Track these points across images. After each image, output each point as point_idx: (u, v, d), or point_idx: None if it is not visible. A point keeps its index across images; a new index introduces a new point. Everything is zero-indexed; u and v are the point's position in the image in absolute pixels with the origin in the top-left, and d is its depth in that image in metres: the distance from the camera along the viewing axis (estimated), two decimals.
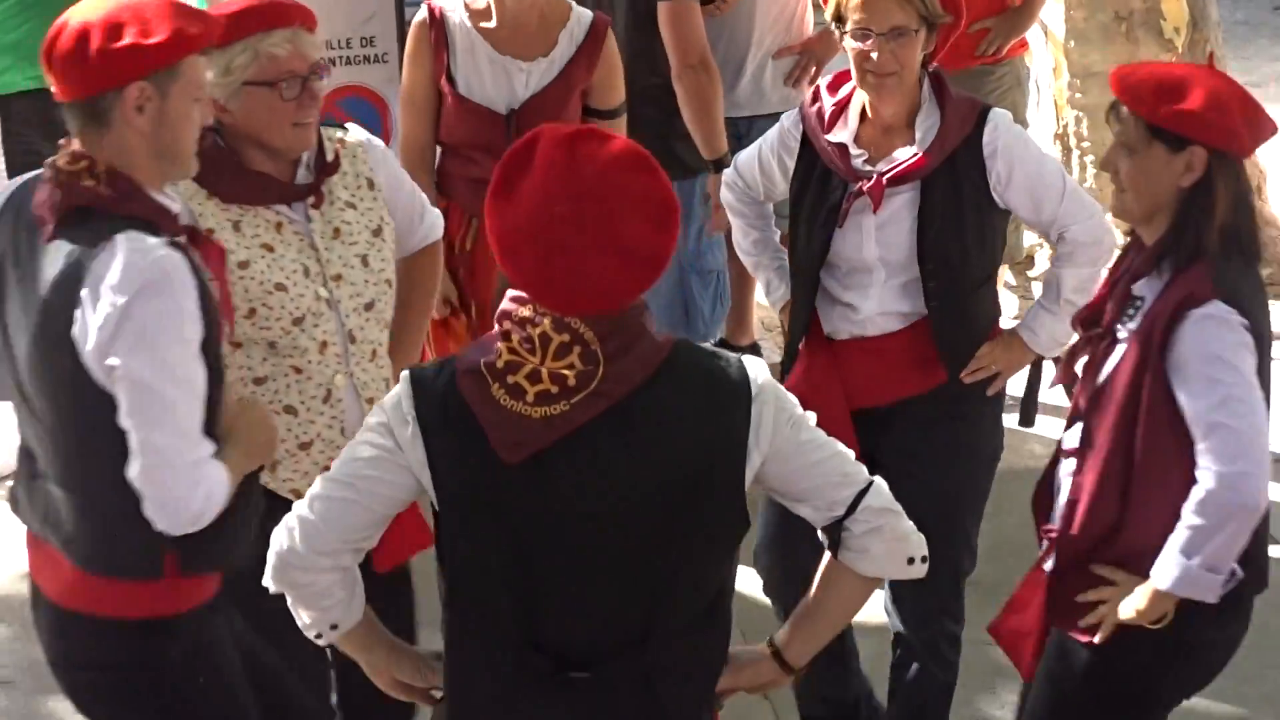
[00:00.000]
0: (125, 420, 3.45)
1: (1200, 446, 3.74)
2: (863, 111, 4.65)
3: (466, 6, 5.45)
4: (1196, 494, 3.74)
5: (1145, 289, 3.88)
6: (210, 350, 3.53)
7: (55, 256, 3.48)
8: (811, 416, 3.27)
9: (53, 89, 3.53)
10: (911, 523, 3.31)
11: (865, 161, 4.62)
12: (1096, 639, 3.92)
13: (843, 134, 4.66)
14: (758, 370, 3.20)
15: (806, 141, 4.76)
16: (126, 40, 3.45)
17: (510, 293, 3.17)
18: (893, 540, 3.27)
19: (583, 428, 3.09)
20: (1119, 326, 3.90)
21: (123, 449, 3.46)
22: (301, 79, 4.01)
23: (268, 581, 3.27)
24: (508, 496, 3.12)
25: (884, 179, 4.57)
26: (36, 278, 3.51)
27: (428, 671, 3.41)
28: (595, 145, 3.08)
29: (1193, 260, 3.80)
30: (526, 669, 3.20)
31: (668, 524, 3.15)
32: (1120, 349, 3.88)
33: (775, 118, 6.87)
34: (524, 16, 5.33)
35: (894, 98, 4.56)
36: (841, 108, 4.70)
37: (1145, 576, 3.82)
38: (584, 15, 5.41)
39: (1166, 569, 3.79)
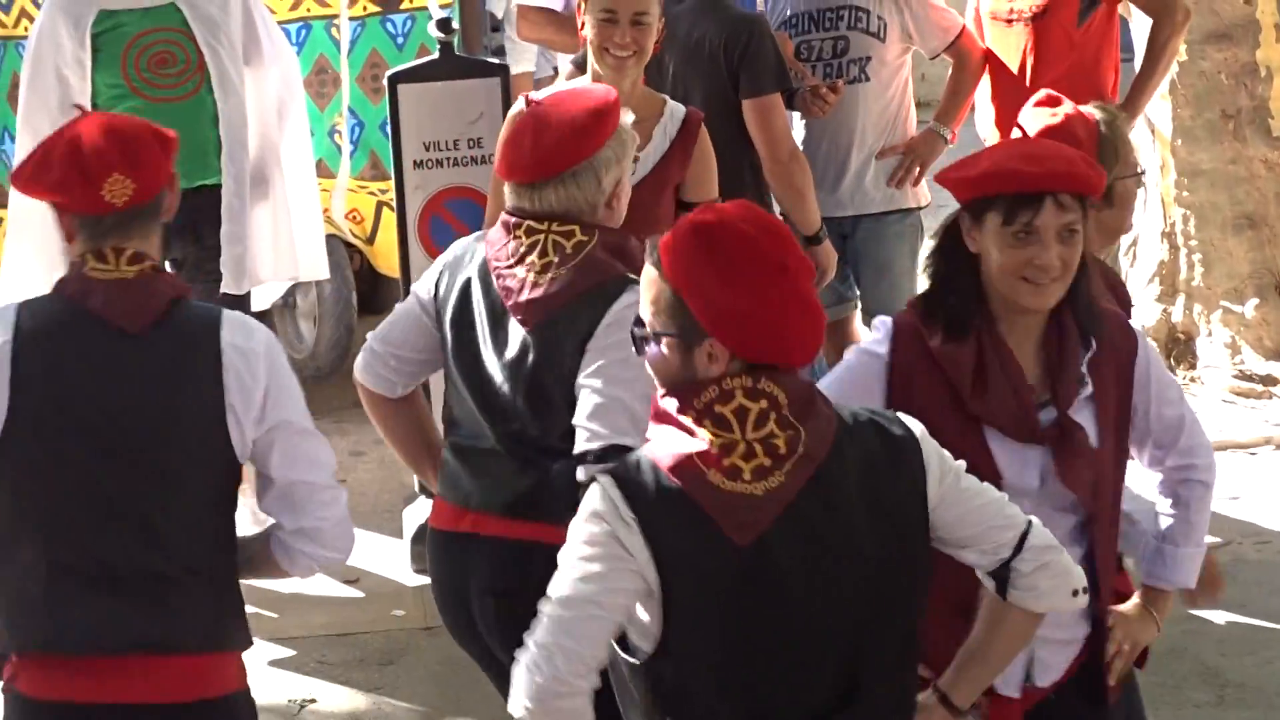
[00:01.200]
0: (294, 472, 3.70)
1: (1185, 444, 3.87)
2: None
3: None
4: (1196, 491, 3.89)
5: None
6: None
7: (167, 342, 3.62)
8: (962, 464, 3.34)
9: (118, 199, 3.64)
10: (1069, 556, 3.41)
11: None
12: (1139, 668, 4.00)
13: None
14: (913, 422, 3.30)
15: None
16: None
17: (671, 386, 3.22)
18: (1060, 575, 3.37)
19: (794, 499, 3.15)
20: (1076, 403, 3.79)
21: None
22: None
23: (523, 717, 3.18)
24: (737, 579, 3.14)
25: None
26: (145, 366, 3.62)
27: None
28: (751, 210, 3.25)
29: (1093, 304, 3.77)
30: None
31: (875, 582, 3.22)
32: (1086, 418, 3.79)
33: (879, 217, 6.99)
34: None
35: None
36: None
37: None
38: (677, 109, 5.43)
39: (1189, 566, 3.95)
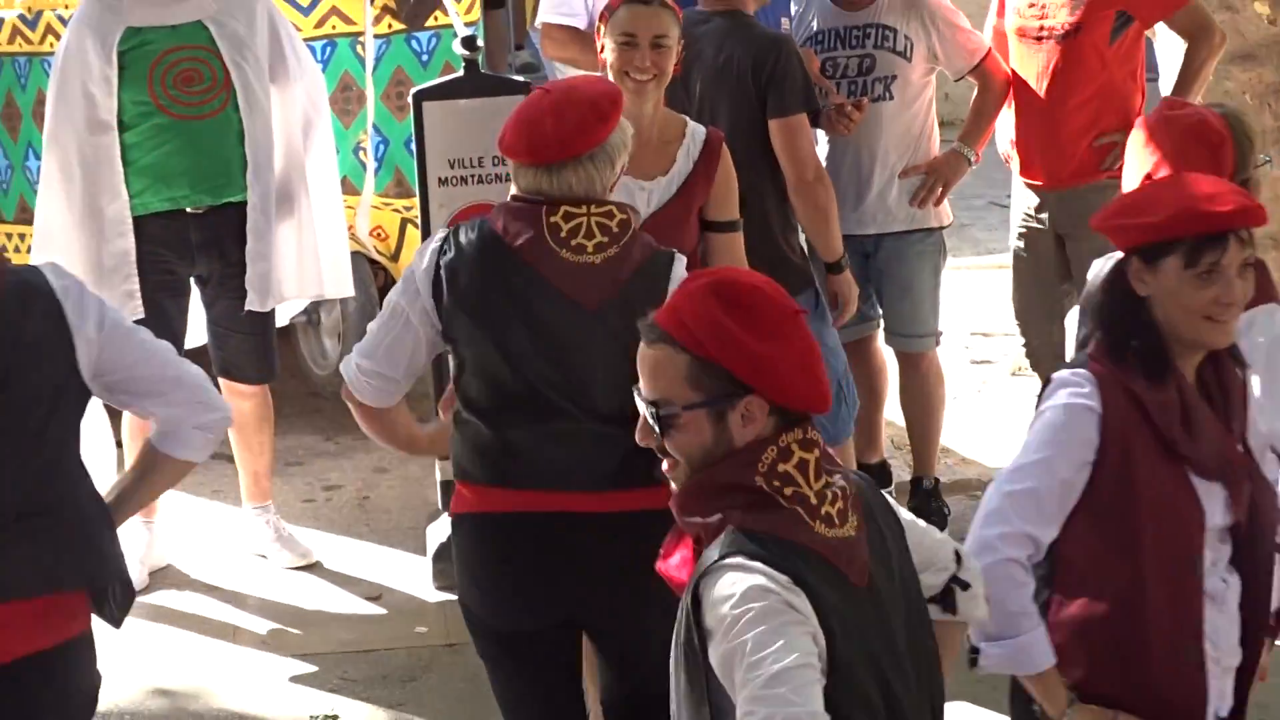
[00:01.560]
0: (150, 366, 3.94)
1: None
2: None
3: None
4: None
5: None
6: None
7: (13, 302, 3.79)
8: None
9: None
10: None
11: None
12: None
13: None
14: None
15: None
16: None
17: (703, 464, 3.19)
18: (981, 581, 3.46)
19: (867, 535, 3.18)
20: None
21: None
22: None
23: None
24: (867, 621, 3.13)
25: None
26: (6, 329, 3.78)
27: None
28: (738, 267, 3.37)
29: None
30: None
31: (923, 616, 3.28)
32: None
33: (901, 236, 6.99)
34: (643, 135, 5.37)
35: None
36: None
37: None
38: (699, 131, 5.45)
39: None
